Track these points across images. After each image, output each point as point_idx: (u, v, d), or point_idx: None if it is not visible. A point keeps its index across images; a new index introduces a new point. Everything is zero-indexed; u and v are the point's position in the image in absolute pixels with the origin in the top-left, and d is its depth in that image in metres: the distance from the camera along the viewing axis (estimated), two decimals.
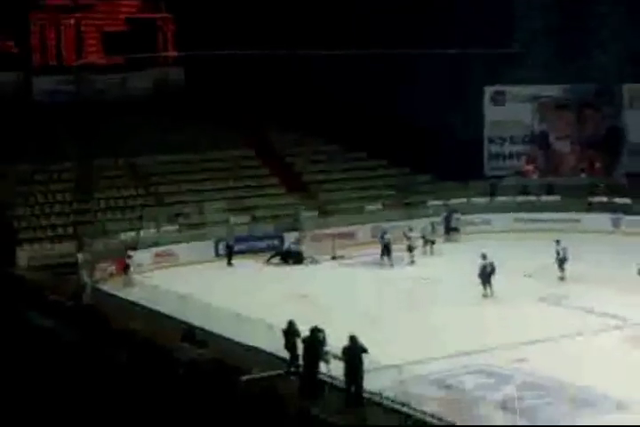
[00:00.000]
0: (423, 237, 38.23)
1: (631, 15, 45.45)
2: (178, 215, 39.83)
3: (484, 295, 30.64)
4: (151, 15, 48.41)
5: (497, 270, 30.80)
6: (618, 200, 42.84)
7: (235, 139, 46.19)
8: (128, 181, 42.18)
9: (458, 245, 40.22)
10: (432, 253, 38.03)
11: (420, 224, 39.42)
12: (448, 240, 40.52)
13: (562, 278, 32.77)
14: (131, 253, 34.13)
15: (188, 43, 46.32)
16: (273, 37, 45.10)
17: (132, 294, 31.04)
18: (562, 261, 32.88)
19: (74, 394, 18.28)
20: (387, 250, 36.38)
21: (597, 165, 46.87)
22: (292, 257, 37.53)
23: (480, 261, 30.92)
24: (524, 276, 32.74)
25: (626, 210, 42.32)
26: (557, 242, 33.39)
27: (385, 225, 39.44)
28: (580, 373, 22.67)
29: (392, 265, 36.15)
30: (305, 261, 37.44)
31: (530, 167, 47.09)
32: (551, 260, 33.45)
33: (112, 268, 35.02)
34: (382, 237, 36.79)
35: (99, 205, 39.68)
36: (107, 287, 32.58)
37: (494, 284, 30.70)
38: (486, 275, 30.71)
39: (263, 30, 45.59)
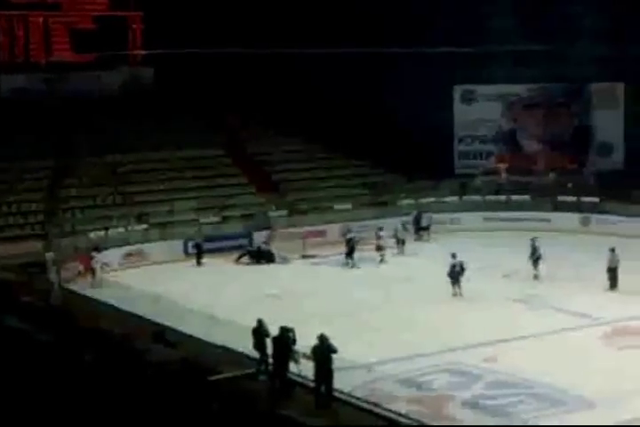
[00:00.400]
0: (395, 237, 38.25)
1: (601, 16, 45.75)
2: (147, 214, 39.61)
3: (454, 294, 30.69)
4: (120, 13, 48.11)
5: (467, 270, 30.87)
6: (586, 199, 43.09)
7: (205, 138, 46.02)
8: (97, 179, 41.89)
9: (428, 244, 40.29)
10: (403, 252, 38.02)
11: (390, 223, 39.41)
12: (418, 239, 40.60)
13: (536, 277, 32.88)
14: (94, 253, 33.57)
15: (158, 41, 46.08)
16: (243, 35, 44.93)
17: (102, 294, 30.82)
18: (536, 260, 32.97)
19: (42, 395, 18.13)
20: (350, 249, 36.31)
21: (566, 164, 47.08)
22: (263, 256, 37.44)
23: (450, 261, 30.98)
24: (503, 276, 32.69)
25: (594, 209, 42.57)
26: (533, 240, 33.48)
27: (349, 224, 39.44)
28: (549, 371, 22.76)
29: (353, 265, 36.02)
30: (275, 260, 37.34)
31: (500, 166, 47.25)
32: (521, 258, 33.58)
33: (81, 267, 34.78)
34: (346, 237, 36.73)
35: (67, 204, 39.39)
36: (75, 287, 32.34)
37: (463, 283, 30.76)
38: (455, 274, 30.77)
39: (233, 28, 45.43)
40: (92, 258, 33.23)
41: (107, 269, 33.41)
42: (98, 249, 33.60)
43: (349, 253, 36.29)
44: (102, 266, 33.43)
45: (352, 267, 35.89)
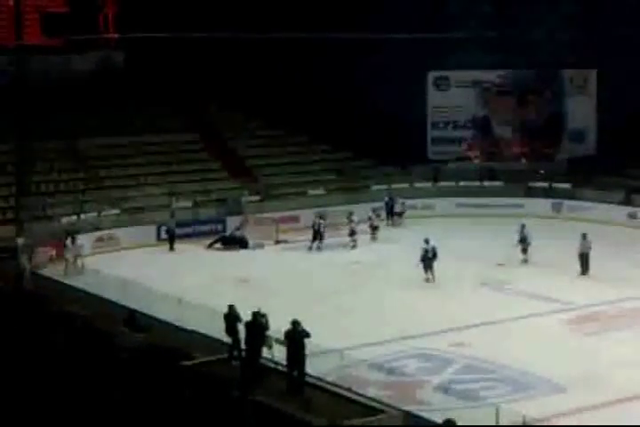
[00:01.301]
0: (370, 222, 38.23)
1: (574, 1, 45.84)
2: (119, 199, 39.44)
3: (426, 280, 30.78)
4: None
5: (440, 255, 30.94)
6: (559, 185, 43.32)
7: (177, 123, 45.84)
8: (69, 164, 41.62)
9: (401, 229, 40.35)
10: (376, 238, 38.05)
11: (363, 209, 39.45)
12: (391, 225, 40.65)
13: (525, 261, 32.96)
14: (67, 242, 32.99)
15: (130, 25, 45.74)
16: (215, 19, 44.68)
17: (73, 279, 30.67)
18: (526, 245, 32.99)
19: (13, 378, 18.07)
20: (318, 234, 36.39)
21: (539, 150, 47.24)
22: (236, 242, 37.36)
23: (422, 246, 31.04)
24: (497, 265, 32.70)
25: (567, 195, 42.80)
26: (522, 226, 33.54)
27: (323, 210, 39.44)
28: (520, 356, 22.93)
29: (319, 248, 36.20)
30: (249, 246, 37.27)
31: (473, 152, 47.36)
32: (494, 244, 33.73)
33: (53, 252, 34.57)
34: (317, 222, 36.77)
35: (39, 189, 39.12)
36: (47, 272, 32.15)
37: (436, 268, 30.84)
38: (428, 259, 30.84)
39: (204, 12, 45.14)
40: (64, 246, 32.83)
41: (80, 260, 32.70)
42: (73, 238, 33.18)
43: (319, 239, 36.35)
44: (76, 256, 32.82)
45: (318, 249, 36.08)
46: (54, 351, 18.87)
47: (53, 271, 32.33)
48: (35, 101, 41.12)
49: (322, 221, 36.89)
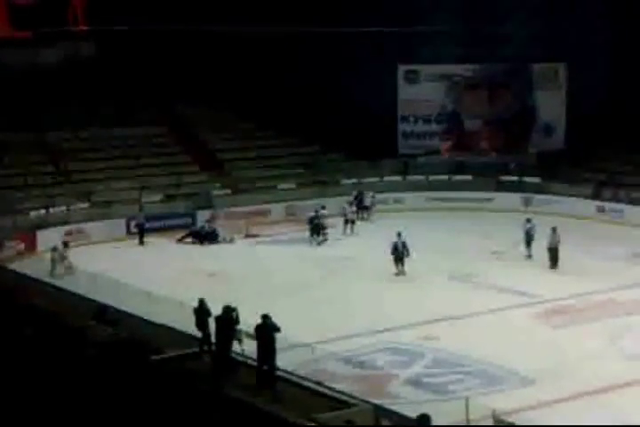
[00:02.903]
0: (344, 217, 38.15)
1: None
2: (89, 193, 39.23)
3: (397, 274, 30.84)
4: None
5: (410, 249, 31.00)
6: (528, 179, 43.52)
7: (147, 116, 45.64)
8: (37, 157, 41.36)
9: (370, 223, 40.39)
10: (352, 232, 37.96)
11: (333, 203, 39.42)
12: (360, 219, 40.63)
13: (529, 257, 32.77)
14: (60, 246, 32.28)
15: (100, 16, 45.46)
16: (185, 12, 44.57)
17: (42, 273, 30.47)
18: (530, 240, 32.86)
19: None
20: (316, 229, 36.30)
21: (508, 144, 47.37)
22: (207, 236, 37.23)
23: (394, 239, 31.07)
24: (492, 253, 32.69)
25: (536, 189, 43.01)
26: (528, 220, 33.29)
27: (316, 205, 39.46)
28: (489, 349, 23.04)
29: (320, 242, 36.15)
30: (219, 240, 37.18)
31: (446, 145, 47.37)
32: (464, 237, 33.82)
33: (21, 246, 34.39)
34: (314, 217, 36.56)
35: (7, 183, 38.83)
36: (15, 266, 31.92)
37: (406, 262, 30.90)
38: (399, 253, 30.89)
39: (174, 5, 44.98)
40: (55, 250, 31.97)
41: (67, 263, 32.21)
42: (66, 245, 32.68)
43: (317, 233, 36.27)
44: (64, 260, 32.22)
45: (319, 243, 36.04)
46: (22, 346, 18.73)
47: (22, 265, 32.12)
48: (3, 94, 40.88)
49: (324, 212, 36.72)
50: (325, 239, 36.67)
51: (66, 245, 32.61)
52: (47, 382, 16.97)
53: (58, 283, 28.48)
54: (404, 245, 30.90)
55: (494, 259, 32.78)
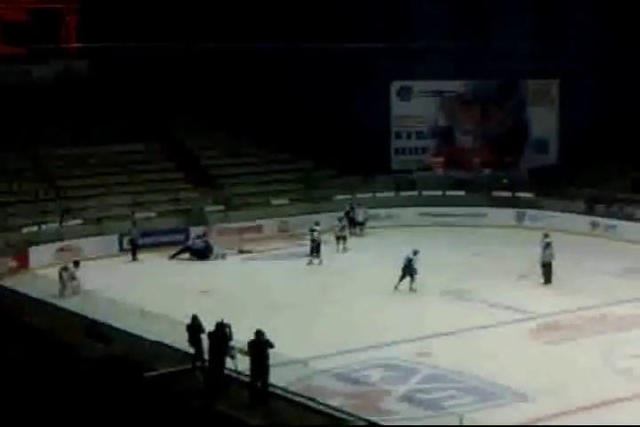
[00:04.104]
0: (335, 234, 37.96)
1: (535, 12, 46.16)
2: (81, 209, 39.15)
3: (395, 288, 30.55)
4: (54, 6, 47.42)
5: (398, 265, 30.78)
6: (521, 195, 43.57)
7: (140, 132, 45.56)
8: (30, 174, 41.28)
9: (363, 239, 40.36)
10: (345, 249, 37.73)
11: (326, 219, 39.35)
12: (353, 234, 40.55)
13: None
14: (70, 266, 31.62)
15: (93, 34, 45.56)
16: (176, 30, 44.71)
17: (34, 290, 30.32)
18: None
19: None
20: (316, 246, 35.65)
21: (501, 160, 47.45)
22: (201, 252, 37.09)
23: (408, 255, 30.64)
24: (520, 277, 32.09)
25: (529, 205, 43.05)
26: (545, 236, 32.71)
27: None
28: (483, 365, 22.98)
29: (320, 262, 35.49)
30: (213, 256, 37.08)
31: (437, 160, 47.43)
32: (456, 253, 33.75)
33: (13, 263, 34.29)
34: (312, 234, 36.03)
35: None
36: (7, 283, 31.80)
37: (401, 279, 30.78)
38: (410, 269, 30.56)
39: (166, 23, 45.10)
40: (66, 270, 31.44)
41: (76, 283, 31.94)
42: (77, 264, 32.41)
43: (317, 251, 35.58)
44: (72, 279, 31.93)
45: (320, 263, 35.37)
46: (14, 363, 18.67)
47: (14, 282, 31.97)
48: None
49: (317, 228, 36.09)
50: (319, 255, 36.52)
51: (76, 264, 31.98)
52: (39, 399, 16.90)
53: (50, 300, 28.36)
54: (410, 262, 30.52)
55: (487, 274, 32.70)
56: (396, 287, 30.61)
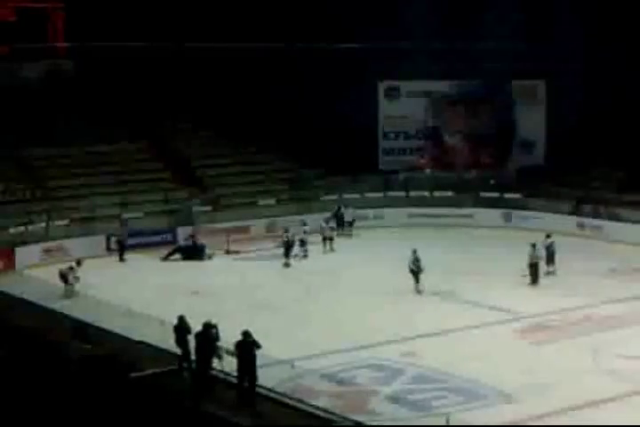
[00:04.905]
0: (322, 234, 38.04)
1: (522, 12, 46.22)
2: (68, 209, 39.04)
3: (419, 291, 30.49)
4: (41, 5, 47.28)
5: (390, 265, 30.87)
6: (508, 195, 43.65)
7: (127, 132, 45.47)
8: (16, 173, 41.15)
9: (350, 239, 40.37)
10: (332, 249, 37.83)
11: (314, 219, 39.39)
12: (341, 235, 40.58)
13: (551, 273, 32.58)
14: (74, 264, 31.57)
15: (79, 34, 45.43)
16: (162, 29, 44.64)
17: (20, 290, 30.20)
18: (551, 256, 32.69)
19: None
20: (288, 247, 35.92)
21: (489, 160, 47.51)
22: (193, 253, 36.99)
23: (416, 256, 30.69)
24: (522, 276, 31.99)
25: (516, 205, 43.13)
26: (547, 236, 33.01)
27: (279, 221, 39.37)
28: (470, 366, 23.01)
29: (288, 265, 35.70)
30: (205, 256, 37.01)
31: (424, 160, 47.48)
32: (445, 253, 33.78)
33: (0, 263, 34.22)
34: (285, 235, 36.31)
35: None
36: None
37: (393, 279, 30.76)
38: (415, 270, 30.59)
39: (152, 22, 45.02)
40: (71, 268, 31.36)
41: (77, 282, 31.71)
42: (79, 263, 32.30)
43: (287, 251, 35.84)
44: (75, 278, 31.77)
45: (288, 265, 35.53)
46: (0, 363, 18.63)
47: (0, 283, 31.86)
48: None
49: (306, 228, 36.68)
50: (306, 255, 36.58)
51: (79, 263, 31.82)
52: (25, 400, 16.85)
53: (37, 300, 28.22)
54: (417, 260, 30.60)
55: (475, 275, 32.74)
56: (419, 291, 30.42)
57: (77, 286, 30.99)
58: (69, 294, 30.71)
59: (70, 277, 30.99)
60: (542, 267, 32.16)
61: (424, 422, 19.34)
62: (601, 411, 20.15)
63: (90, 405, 17.13)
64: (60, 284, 30.88)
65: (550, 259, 32.77)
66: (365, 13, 45.33)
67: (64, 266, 31.74)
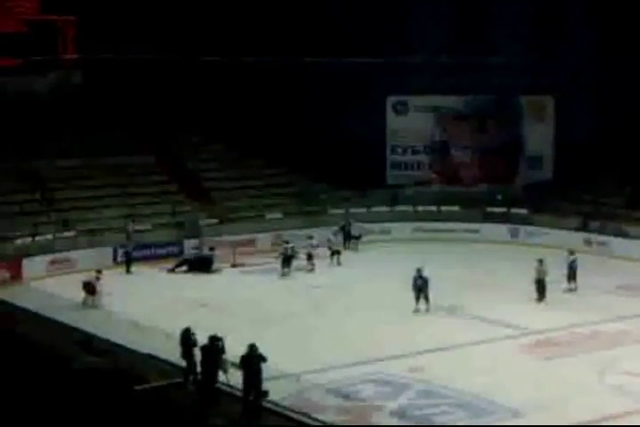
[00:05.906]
0: (329, 248, 38.06)
1: (532, 27, 46.30)
2: (75, 221, 39.09)
3: (416, 310, 30.11)
4: (51, 17, 47.42)
5: (397, 280, 30.76)
6: (516, 211, 43.60)
7: (135, 144, 45.52)
8: (25, 185, 41.21)
9: (357, 253, 40.33)
10: (339, 263, 37.83)
11: (320, 232, 39.39)
12: (347, 248, 40.52)
13: (572, 290, 32.42)
14: (99, 275, 31.69)
15: (88, 45, 45.58)
16: (173, 42, 44.77)
17: (27, 302, 30.22)
18: (573, 273, 32.55)
19: None
20: (287, 260, 36.12)
21: (496, 175, 47.47)
22: (199, 265, 36.99)
23: (423, 275, 30.29)
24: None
25: (523, 220, 43.06)
26: (571, 253, 32.83)
27: (283, 235, 39.33)
28: (477, 381, 22.93)
29: (284, 274, 35.75)
30: (213, 269, 37.02)
31: (435, 175, 47.50)
32: (452, 268, 33.74)
33: (6, 274, 34.22)
34: (284, 248, 36.42)
35: None
36: (0, 295, 31.70)
37: (402, 295, 30.61)
38: (417, 287, 30.23)
39: (162, 35, 45.17)
40: (98, 279, 31.43)
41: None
42: (100, 272, 32.16)
43: (288, 264, 35.98)
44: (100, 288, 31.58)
45: (284, 275, 35.72)
46: (6, 374, 18.59)
47: (7, 294, 31.88)
48: None
49: (291, 246, 36.45)
50: (312, 269, 36.57)
51: (99, 272, 31.87)
52: (29, 411, 16.82)
53: (43, 311, 28.25)
54: (422, 279, 30.11)
55: (481, 290, 32.66)
56: (416, 310, 30.07)
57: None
58: (95, 303, 30.71)
59: (97, 287, 31.00)
60: (559, 283, 31.98)
61: None
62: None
63: (95, 417, 17.10)
64: (72, 295, 30.86)
65: (572, 276, 32.61)
66: (374, 28, 45.43)
67: (87, 276, 31.85)
